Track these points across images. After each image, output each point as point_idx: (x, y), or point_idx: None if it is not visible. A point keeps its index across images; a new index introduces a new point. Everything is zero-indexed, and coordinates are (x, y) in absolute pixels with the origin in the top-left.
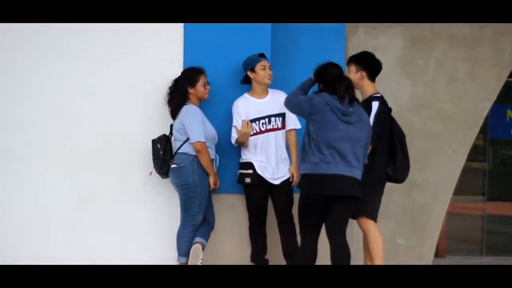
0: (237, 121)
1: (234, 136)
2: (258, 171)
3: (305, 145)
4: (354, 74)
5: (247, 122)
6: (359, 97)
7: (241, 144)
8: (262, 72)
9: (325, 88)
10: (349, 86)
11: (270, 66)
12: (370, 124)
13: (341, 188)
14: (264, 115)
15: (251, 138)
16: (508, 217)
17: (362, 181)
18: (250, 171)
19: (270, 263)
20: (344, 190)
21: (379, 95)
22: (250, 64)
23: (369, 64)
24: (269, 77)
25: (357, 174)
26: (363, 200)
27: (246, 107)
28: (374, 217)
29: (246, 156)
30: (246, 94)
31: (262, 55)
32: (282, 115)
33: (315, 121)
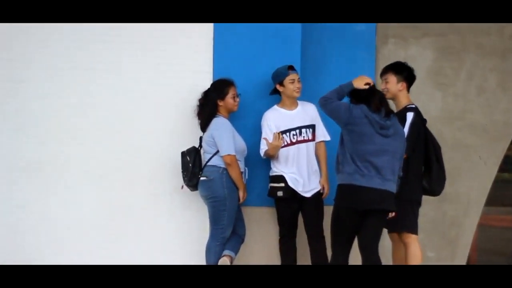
0: (267, 133)
1: (263, 148)
2: (290, 184)
3: (339, 155)
4: (395, 84)
5: (278, 134)
6: (393, 108)
7: (271, 157)
8: (291, 86)
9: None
10: (383, 99)
11: (299, 79)
12: (405, 136)
13: (376, 202)
14: (295, 126)
15: (282, 150)
16: None
17: (397, 194)
18: (282, 184)
19: None
20: (378, 204)
21: (414, 106)
22: (278, 77)
23: (408, 74)
24: (298, 90)
25: (392, 187)
26: (403, 214)
27: (276, 119)
28: (415, 232)
29: (277, 168)
30: (276, 106)
31: (291, 68)
32: (312, 127)
33: (351, 132)
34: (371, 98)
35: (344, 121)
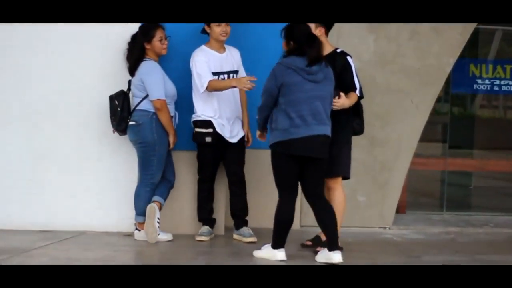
0: (203, 69)
1: (204, 84)
2: (218, 129)
3: (272, 114)
4: (313, 30)
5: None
6: None
7: (216, 90)
8: (217, 29)
9: (293, 48)
10: (320, 47)
11: (227, 23)
12: (334, 81)
13: (314, 150)
14: (224, 70)
15: (212, 94)
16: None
17: (332, 139)
18: (210, 130)
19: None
20: (318, 152)
21: (342, 50)
22: None
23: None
24: (224, 34)
25: (328, 131)
26: (339, 158)
27: (207, 60)
28: (348, 176)
29: (203, 113)
30: (203, 46)
31: None
32: (237, 73)
33: (282, 88)
34: (308, 47)
35: (278, 88)
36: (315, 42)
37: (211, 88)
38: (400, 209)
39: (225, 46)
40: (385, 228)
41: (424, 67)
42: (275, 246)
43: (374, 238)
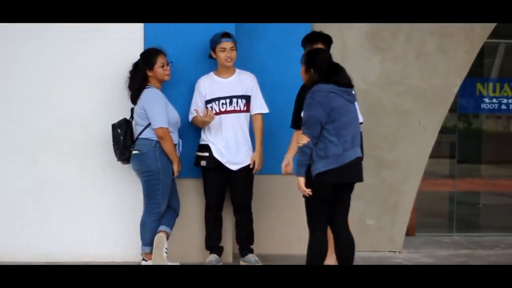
0: (197, 100)
1: (192, 114)
2: (215, 154)
3: (318, 143)
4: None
5: (210, 113)
6: None
7: (199, 126)
8: (221, 55)
9: (318, 77)
10: (345, 71)
11: (232, 47)
12: None
13: (357, 174)
14: (226, 95)
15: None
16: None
17: None
18: (206, 154)
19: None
20: (358, 176)
21: None
22: (212, 44)
23: (331, 43)
24: (229, 60)
25: (360, 153)
26: None
27: (208, 86)
28: None
29: (205, 137)
30: (211, 73)
31: (225, 35)
32: (247, 98)
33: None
34: (334, 74)
35: (326, 115)
36: (340, 70)
37: (194, 123)
38: (409, 231)
39: (238, 71)
40: (395, 252)
41: (431, 87)
42: None
43: (384, 263)
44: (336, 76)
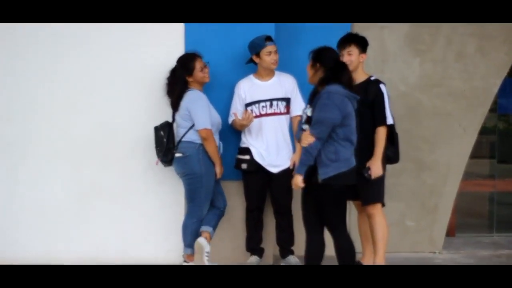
0: (236, 104)
1: (232, 117)
2: (255, 157)
3: (329, 147)
4: (358, 56)
5: (249, 115)
6: None
7: (238, 129)
8: (267, 58)
9: (326, 75)
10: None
11: (276, 50)
12: None
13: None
14: (266, 98)
15: (254, 121)
16: None
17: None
18: (247, 157)
19: (266, 253)
20: (355, 178)
21: (376, 78)
22: (255, 49)
23: (366, 46)
24: (275, 62)
25: None
26: (378, 185)
27: (248, 89)
28: (382, 202)
29: (246, 140)
30: (251, 76)
31: (268, 39)
32: (286, 100)
33: (344, 118)
34: (342, 72)
35: (340, 118)
36: (347, 69)
37: (234, 126)
38: (449, 232)
39: (277, 73)
40: (435, 252)
41: (470, 89)
42: None
43: (424, 264)
44: (344, 76)
